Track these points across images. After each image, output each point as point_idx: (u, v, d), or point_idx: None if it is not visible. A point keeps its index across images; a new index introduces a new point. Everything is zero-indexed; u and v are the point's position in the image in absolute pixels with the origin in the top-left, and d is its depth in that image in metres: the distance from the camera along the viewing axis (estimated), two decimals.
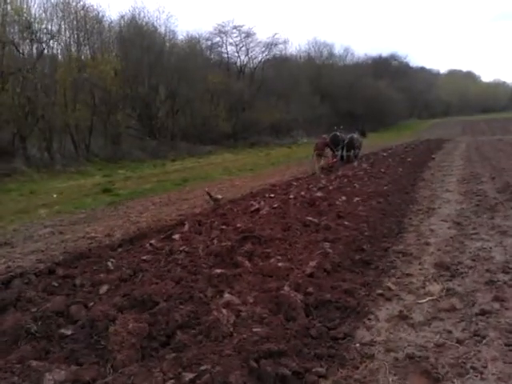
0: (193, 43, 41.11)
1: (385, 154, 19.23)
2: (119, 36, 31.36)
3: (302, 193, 9.27)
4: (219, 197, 9.58)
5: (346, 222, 6.27)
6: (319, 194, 8.69)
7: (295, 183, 11.76)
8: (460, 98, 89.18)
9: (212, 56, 44.91)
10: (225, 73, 41.63)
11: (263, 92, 43.44)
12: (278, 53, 48.10)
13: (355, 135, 17.74)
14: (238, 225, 6.36)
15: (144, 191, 12.08)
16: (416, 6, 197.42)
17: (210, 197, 9.49)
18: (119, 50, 31.29)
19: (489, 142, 26.65)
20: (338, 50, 62.15)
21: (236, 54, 44.84)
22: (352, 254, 5.08)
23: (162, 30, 33.71)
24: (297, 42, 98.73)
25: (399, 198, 8.88)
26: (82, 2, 26.45)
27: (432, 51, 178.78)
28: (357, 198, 8.40)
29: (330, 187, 9.88)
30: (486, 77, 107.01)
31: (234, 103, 37.75)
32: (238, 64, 45.33)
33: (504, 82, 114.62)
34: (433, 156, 18.95)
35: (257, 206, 7.73)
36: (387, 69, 70.00)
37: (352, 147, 17.35)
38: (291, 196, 8.85)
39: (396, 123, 61.45)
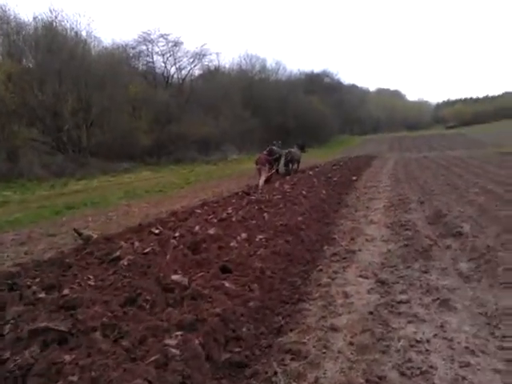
0: (115, 51, 38.46)
1: (311, 173, 17.77)
2: (25, 38, 28.14)
3: (197, 227, 7.25)
4: (91, 234, 7.36)
5: (228, 284, 4.32)
6: (212, 230, 6.69)
7: (199, 210, 9.73)
8: (388, 115, 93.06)
9: (138, 65, 42.26)
10: (151, 83, 39.18)
11: (192, 104, 41.37)
12: (208, 64, 46.35)
13: (293, 150, 18.13)
14: (66, 291, 4.21)
15: (3, 224, 9.46)
16: (344, 26, 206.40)
17: (79, 235, 7.26)
18: (22, 53, 28.11)
19: (415, 160, 26.41)
20: (270, 63, 61.47)
21: (163, 64, 42.43)
22: (216, 352, 3.14)
23: (82, 35, 30.83)
24: (229, 55, 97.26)
25: (315, 232, 7.14)
26: None
27: (361, 70, 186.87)
28: (260, 236, 6.54)
29: (234, 218, 7.95)
30: (411, 96, 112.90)
31: (159, 115, 35.26)
32: (165, 74, 42.90)
33: (427, 101, 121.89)
34: (360, 174, 17.86)
35: (118, 254, 5.58)
36: (320, 85, 70.69)
37: (291, 161, 17.74)
38: (177, 234, 6.79)
39: (329, 139, 61.71)
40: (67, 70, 26.69)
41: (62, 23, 29.37)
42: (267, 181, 15.02)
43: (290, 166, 17.90)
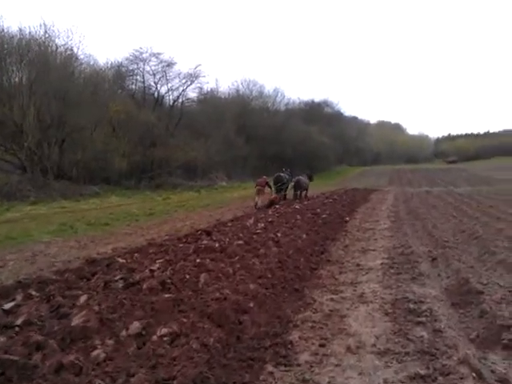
0: (108, 70, 36.68)
1: (297, 207, 15.06)
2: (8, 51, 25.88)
3: (84, 301, 4.46)
4: None
5: None
6: (82, 317, 3.86)
7: (122, 259, 6.91)
8: (388, 148, 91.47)
9: (128, 84, 40.14)
10: (139, 103, 36.83)
11: (182, 127, 39.03)
12: (202, 87, 44.12)
13: (302, 177, 19.81)
14: None
15: None
16: (346, 57, 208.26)
17: None
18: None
19: (417, 195, 23.77)
20: (268, 90, 59.51)
21: (154, 84, 40.21)
22: None
23: (74, 51, 28.92)
24: (226, 80, 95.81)
25: (267, 319, 4.31)
26: None
27: (362, 102, 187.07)
28: (165, 330, 3.74)
29: (148, 282, 5.08)
30: (412, 129, 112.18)
31: (143, 137, 32.72)
32: (156, 95, 40.63)
33: (427, 136, 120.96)
34: (355, 211, 15.13)
35: None
36: (319, 114, 68.58)
37: (299, 187, 19.34)
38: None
39: (327, 169, 59.19)
40: (39, 84, 24.44)
41: (52, 39, 27.51)
42: (271, 204, 16.23)
43: (299, 192, 19.35)
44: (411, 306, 4.48)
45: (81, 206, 17.45)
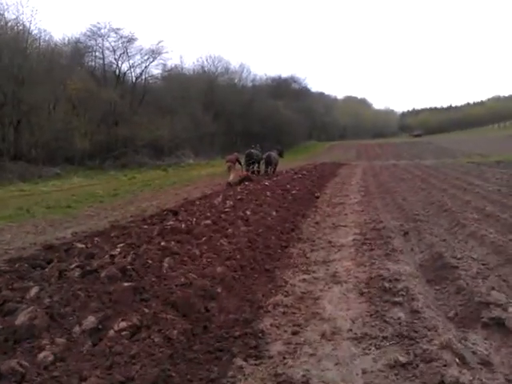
0: (65, 46, 34.79)
1: (267, 184, 14.76)
2: None
3: None
4: None
5: None
6: (25, 318, 3.46)
7: (81, 244, 6.46)
8: (355, 123, 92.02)
9: (86, 61, 38.30)
10: (99, 81, 35.22)
11: (146, 105, 37.76)
12: (166, 63, 42.65)
13: (272, 153, 19.55)
14: None
15: None
16: (313, 33, 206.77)
17: None
18: None
19: (386, 168, 23.91)
20: (233, 66, 58.22)
21: (114, 61, 38.48)
22: None
23: (25, 26, 27.11)
24: (191, 57, 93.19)
25: (236, 304, 4.04)
26: None
27: (329, 78, 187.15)
28: (121, 325, 3.39)
29: (105, 271, 4.64)
30: (378, 104, 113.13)
31: (105, 116, 31.46)
32: (117, 72, 38.94)
33: (392, 110, 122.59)
34: (324, 186, 15.01)
35: None
36: (287, 90, 68.02)
37: (269, 163, 19.27)
38: None
39: (295, 144, 58.99)
40: None
41: (1, 12, 25.76)
42: (241, 181, 15.69)
43: (270, 167, 19.36)
44: (386, 284, 4.28)
45: (40, 188, 16.59)
